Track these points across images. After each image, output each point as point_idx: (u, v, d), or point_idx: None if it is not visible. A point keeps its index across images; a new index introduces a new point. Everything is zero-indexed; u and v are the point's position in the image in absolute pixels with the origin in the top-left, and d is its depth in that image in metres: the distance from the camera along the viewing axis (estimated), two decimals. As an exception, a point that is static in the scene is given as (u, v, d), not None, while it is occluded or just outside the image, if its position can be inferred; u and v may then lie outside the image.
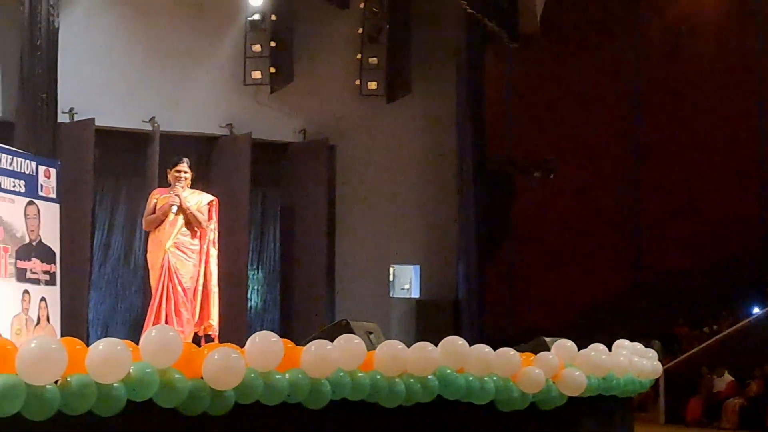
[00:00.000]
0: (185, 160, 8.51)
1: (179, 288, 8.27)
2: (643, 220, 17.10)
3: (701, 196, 17.38)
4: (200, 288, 8.37)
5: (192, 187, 8.48)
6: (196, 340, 8.19)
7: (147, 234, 8.55)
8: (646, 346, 8.10)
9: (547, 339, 7.29)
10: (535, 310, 15.84)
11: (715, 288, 17.02)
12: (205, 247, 8.44)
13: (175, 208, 8.26)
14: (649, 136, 17.09)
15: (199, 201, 8.50)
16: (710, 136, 17.55)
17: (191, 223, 8.37)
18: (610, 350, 7.37)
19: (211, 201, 8.61)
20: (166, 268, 8.23)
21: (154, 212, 8.36)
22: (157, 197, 8.42)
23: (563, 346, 6.86)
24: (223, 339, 5.57)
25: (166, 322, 8.03)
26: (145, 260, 8.69)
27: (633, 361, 7.43)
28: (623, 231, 16.95)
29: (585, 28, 16.66)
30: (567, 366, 6.64)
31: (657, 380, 10.89)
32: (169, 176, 8.51)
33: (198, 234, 8.43)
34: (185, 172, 8.43)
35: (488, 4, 13.89)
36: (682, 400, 14.16)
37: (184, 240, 8.35)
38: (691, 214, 17.30)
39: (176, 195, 8.33)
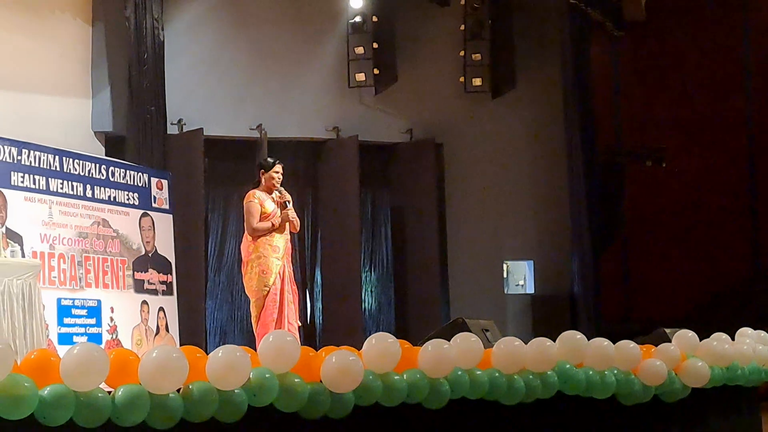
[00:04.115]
0: (279, 162, 8.69)
1: (294, 294, 8.44)
2: (760, 206, 16.64)
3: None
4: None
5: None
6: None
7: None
8: (770, 334, 7.92)
9: (667, 330, 7.19)
10: (653, 301, 15.52)
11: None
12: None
13: (294, 216, 8.44)
14: (762, 119, 16.63)
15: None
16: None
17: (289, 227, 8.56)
18: (732, 339, 7.23)
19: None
20: (288, 274, 8.38)
21: (260, 219, 8.45)
22: (260, 200, 8.51)
23: (684, 336, 6.74)
24: (339, 341, 5.59)
25: (288, 327, 8.18)
26: (240, 263, 8.83)
27: (757, 349, 7.27)
28: (740, 217, 16.51)
29: (693, 11, 16.24)
30: (689, 357, 6.52)
31: (783, 368, 10.61)
32: (262, 178, 8.61)
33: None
34: (281, 174, 8.58)
35: (591, -7, 13.71)
36: (810, 388, 13.77)
37: (288, 246, 8.55)
38: (810, 195, 16.82)
39: (287, 201, 8.45)
